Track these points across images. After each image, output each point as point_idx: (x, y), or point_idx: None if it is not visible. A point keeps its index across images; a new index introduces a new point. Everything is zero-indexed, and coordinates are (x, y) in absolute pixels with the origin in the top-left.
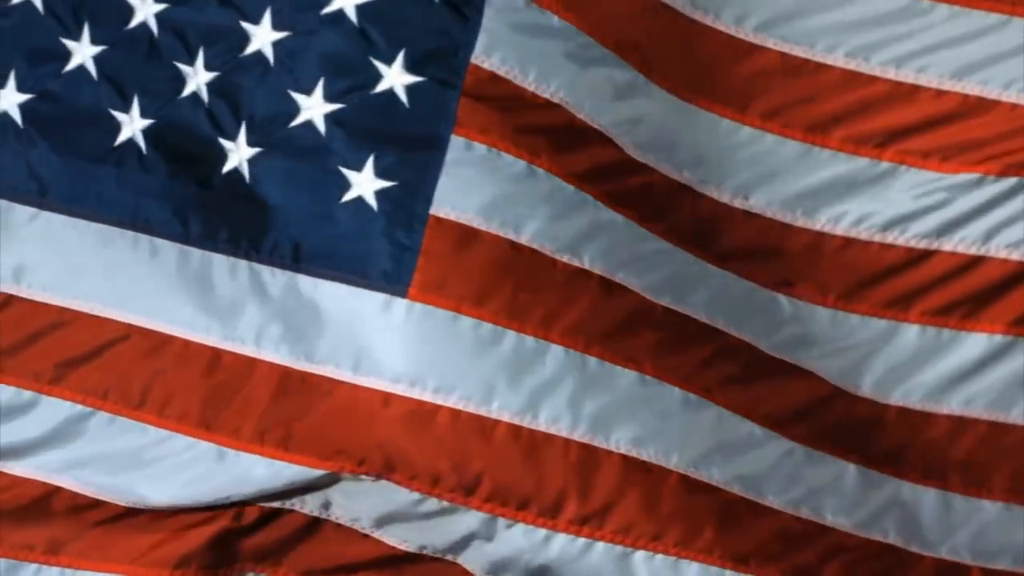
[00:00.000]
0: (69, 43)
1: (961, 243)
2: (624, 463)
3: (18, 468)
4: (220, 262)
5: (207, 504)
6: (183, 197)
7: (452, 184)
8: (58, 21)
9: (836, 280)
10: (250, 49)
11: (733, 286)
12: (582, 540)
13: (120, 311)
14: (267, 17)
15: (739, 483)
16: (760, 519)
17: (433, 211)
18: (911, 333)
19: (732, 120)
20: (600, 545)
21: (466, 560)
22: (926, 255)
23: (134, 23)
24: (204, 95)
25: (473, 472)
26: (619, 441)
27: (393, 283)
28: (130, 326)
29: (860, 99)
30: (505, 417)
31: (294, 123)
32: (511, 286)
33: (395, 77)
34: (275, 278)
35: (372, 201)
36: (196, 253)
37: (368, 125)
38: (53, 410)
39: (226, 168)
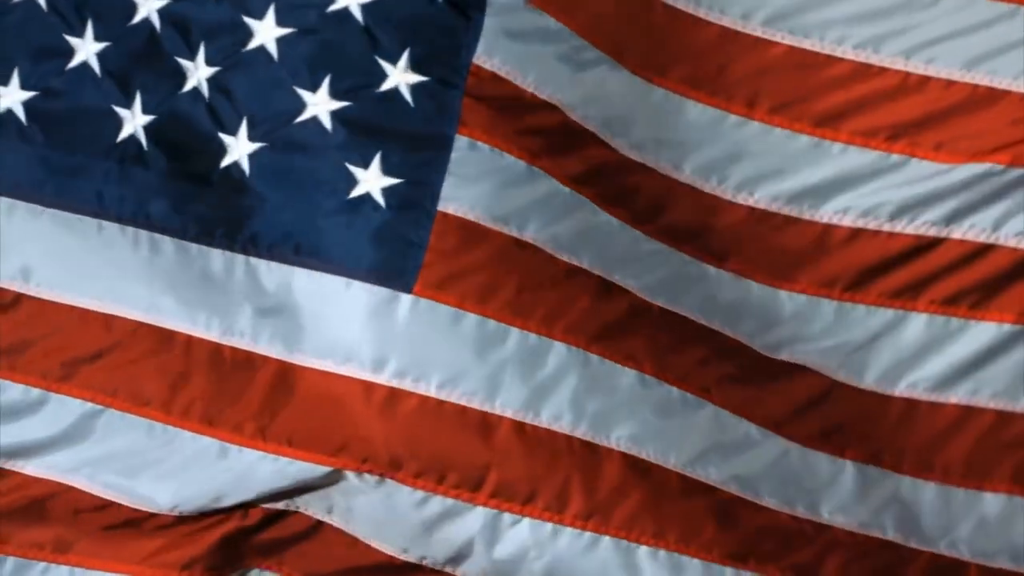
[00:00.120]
0: (72, 40)
1: (971, 231)
2: (624, 461)
3: (28, 467)
4: (217, 257)
5: (210, 506)
6: (181, 192)
7: (458, 182)
8: (61, 18)
9: (843, 272)
10: (252, 44)
11: (731, 285)
12: (588, 534)
13: (124, 308)
14: (271, 13)
15: (736, 483)
16: (757, 518)
17: (441, 208)
18: (919, 322)
19: (739, 115)
20: (606, 539)
21: (467, 572)
22: (935, 243)
23: (137, 19)
24: (205, 90)
25: (478, 468)
26: (619, 440)
27: (399, 279)
28: (135, 323)
29: (870, 91)
30: (508, 413)
31: (299, 119)
32: (515, 284)
33: (399, 76)
34: (274, 273)
35: (379, 198)
36: (194, 248)
37: (374, 123)
38: (62, 408)
39: (225, 163)
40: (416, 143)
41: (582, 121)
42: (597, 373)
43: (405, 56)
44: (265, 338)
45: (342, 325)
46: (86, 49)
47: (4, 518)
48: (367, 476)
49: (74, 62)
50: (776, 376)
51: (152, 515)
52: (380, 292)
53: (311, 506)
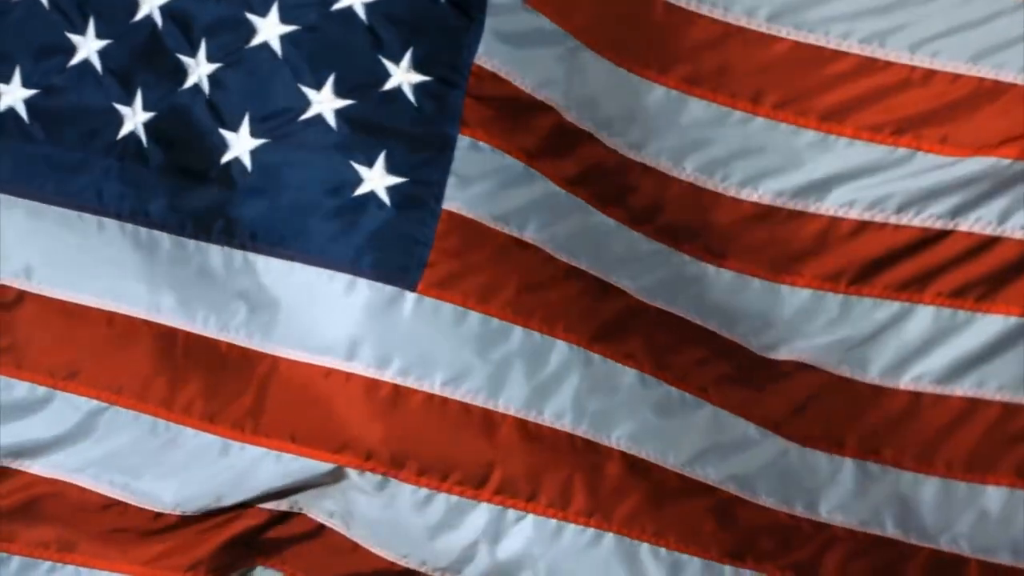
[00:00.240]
0: (74, 37)
1: (977, 223)
2: (624, 460)
3: (35, 467)
4: (216, 253)
5: (213, 504)
6: (180, 189)
7: (460, 182)
8: (63, 16)
9: (848, 265)
10: (256, 41)
11: (730, 284)
12: (591, 531)
13: (125, 305)
14: (274, 10)
15: (733, 482)
16: (755, 517)
17: (444, 207)
18: (926, 315)
19: (743, 111)
20: (609, 536)
21: None
22: (942, 235)
23: (139, 16)
24: (205, 86)
25: (482, 465)
26: (619, 439)
27: (403, 277)
28: (135, 320)
29: (875, 86)
30: (512, 411)
31: (303, 116)
32: (516, 283)
33: (402, 75)
34: (274, 270)
35: (384, 196)
36: (191, 244)
37: (378, 122)
38: (68, 406)
39: (226, 158)
40: (419, 142)
41: (577, 122)
42: (598, 372)
43: (408, 56)
44: (264, 335)
45: (345, 323)
46: (88, 47)
47: (10, 517)
48: (369, 475)
49: (75, 59)
50: (774, 376)
51: (158, 515)
52: (384, 290)
53: (312, 509)
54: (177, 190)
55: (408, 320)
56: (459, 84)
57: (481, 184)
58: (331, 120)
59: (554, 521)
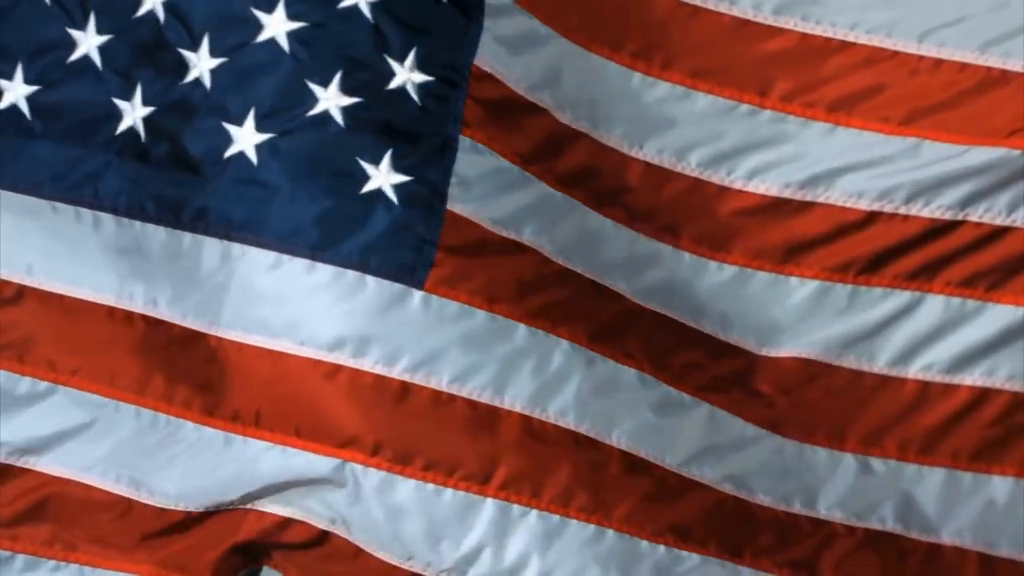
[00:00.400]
0: (75, 33)
1: (986, 214)
2: (624, 459)
3: (40, 464)
4: (214, 248)
5: (216, 500)
6: (180, 183)
7: (462, 183)
8: (64, 12)
9: (858, 255)
10: (262, 37)
11: (733, 279)
12: (593, 527)
13: (124, 300)
14: (280, 7)
15: (730, 482)
16: (753, 514)
17: (449, 207)
18: (935, 304)
19: (751, 104)
20: (610, 533)
21: None
22: (951, 226)
23: (141, 11)
24: (207, 80)
25: (489, 460)
26: (620, 438)
27: (411, 276)
28: (134, 315)
29: (883, 76)
30: (517, 408)
31: (310, 113)
32: (518, 284)
33: (406, 75)
34: (282, 266)
35: (391, 195)
36: (188, 238)
37: (384, 120)
38: (70, 401)
39: (229, 153)
40: (423, 142)
41: (572, 122)
42: (600, 371)
43: (412, 55)
44: (270, 332)
45: (354, 319)
46: (88, 42)
47: (15, 516)
48: (373, 472)
49: (75, 55)
50: (773, 375)
51: (163, 514)
52: (393, 287)
53: (313, 516)
54: (176, 185)
55: (416, 318)
56: (460, 85)
57: (480, 186)
58: (338, 117)
59: (557, 517)
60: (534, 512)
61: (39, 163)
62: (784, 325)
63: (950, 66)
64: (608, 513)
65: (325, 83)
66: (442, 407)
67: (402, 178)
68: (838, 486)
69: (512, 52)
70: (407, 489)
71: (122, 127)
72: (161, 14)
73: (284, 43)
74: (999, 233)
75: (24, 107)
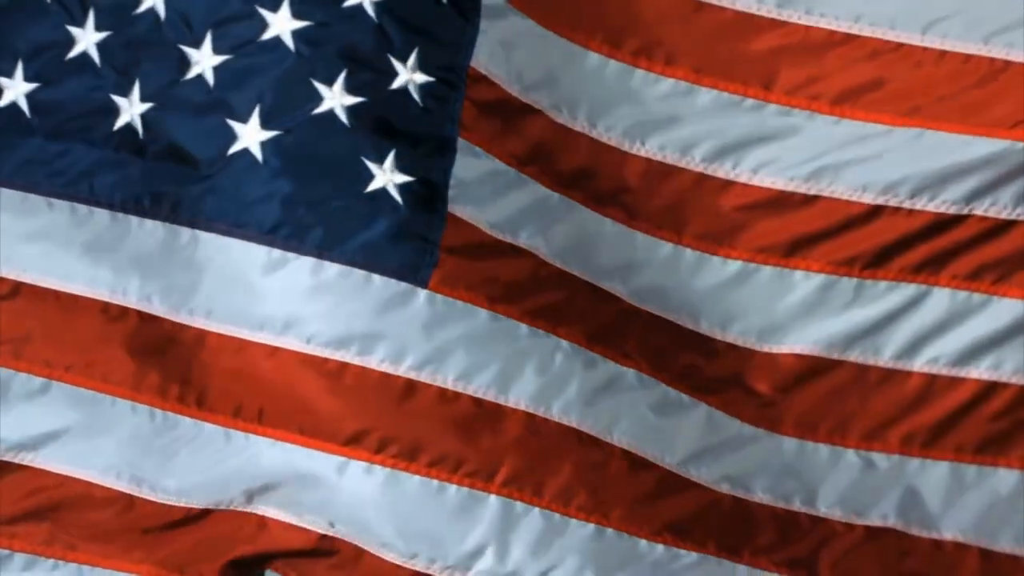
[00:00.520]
0: (74, 30)
1: (992, 208)
2: (625, 457)
3: (37, 460)
4: (213, 243)
5: (217, 497)
6: (179, 179)
7: (461, 185)
8: (64, 9)
9: (864, 249)
10: (268, 35)
11: (737, 273)
12: (592, 526)
13: (118, 296)
14: (285, 5)
15: (728, 482)
16: (752, 513)
17: (450, 209)
18: (942, 297)
19: (755, 99)
20: (609, 532)
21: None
22: (956, 220)
23: (142, 8)
24: (210, 77)
25: (493, 457)
26: (620, 437)
27: (415, 274)
28: (132, 311)
29: (887, 68)
30: (522, 406)
31: (316, 111)
32: (517, 285)
33: (408, 75)
34: (289, 264)
35: (395, 194)
36: (186, 234)
37: (387, 120)
38: (66, 397)
39: (233, 150)
40: (424, 143)
41: (569, 122)
42: (600, 371)
43: (413, 56)
44: (274, 329)
45: (360, 318)
46: (87, 39)
47: (13, 513)
48: (378, 469)
49: (74, 52)
50: (774, 373)
51: (164, 510)
52: (399, 286)
53: (313, 519)
54: (176, 181)
55: (421, 316)
56: (459, 86)
57: (478, 189)
58: (342, 116)
59: (557, 516)
60: (536, 510)
61: (36, 160)
62: (788, 320)
63: (953, 57)
64: (608, 512)
65: (329, 82)
66: (447, 404)
67: (405, 178)
68: (839, 483)
69: (508, 53)
70: (412, 485)
71: (119, 123)
72: (162, 11)
73: (289, 41)
74: (1005, 227)
75: (24, 104)
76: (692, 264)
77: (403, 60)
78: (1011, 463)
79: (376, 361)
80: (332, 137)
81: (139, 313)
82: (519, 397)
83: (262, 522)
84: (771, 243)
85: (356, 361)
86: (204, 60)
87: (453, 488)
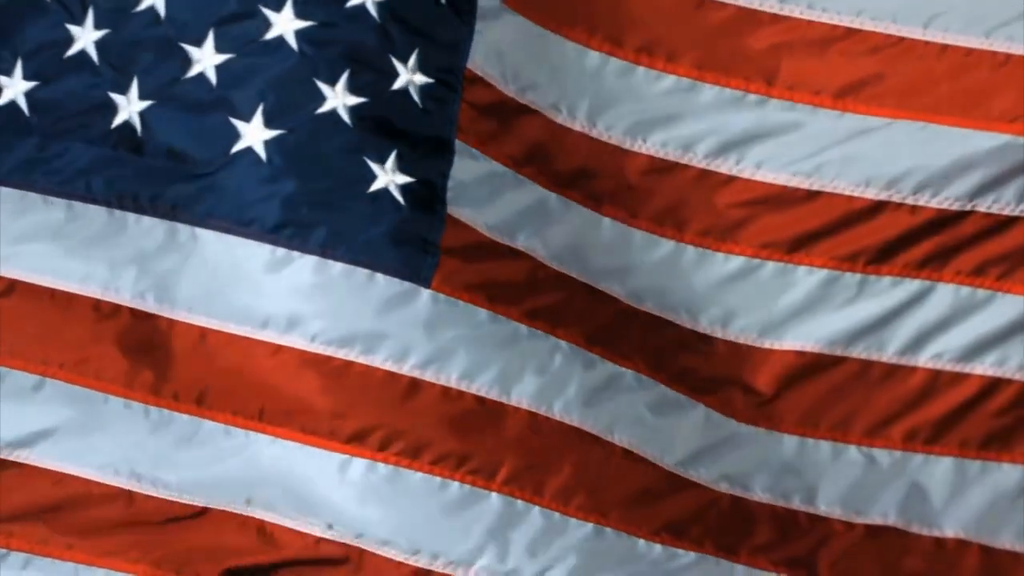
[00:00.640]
0: (73, 28)
1: (995, 204)
2: (625, 456)
3: (32, 458)
4: (213, 241)
5: (216, 496)
6: (179, 176)
7: (459, 187)
8: (63, 8)
9: (867, 244)
10: (271, 35)
11: (740, 269)
12: (591, 525)
13: (110, 293)
14: (288, 5)
15: (726, 481)
16: (750, 512)
17: (449, 210)
18: (946, 293)
19: (758, 93)
20: (608, 532)
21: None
22: (960, 216)
23: (142, 6)
24: (212, 76)
25: (495, 455)
26: (620, 437)
27: (417, 274)
28: (125, 308)
29: (888, 62)
30: (524, 404)
31: (320, 111)
32: (515, 287)
33: (408, 76)
34: (294, 262)
35: (397, 195)
36: (185, 231)
37: (388, 121)
38: (60, 394)
39: (237, 148)
40: (424, 144)
41: (568, 121)
42: (599, 372)
43: (414, 57)
44: (277, 328)
45: (364, 317)
46: (85, 37)
47: (9, 511)
48: (381, 467)
49: (72, 50)
50: (774, 371)
51: (163, 506)
52: (403, 285)
53: (311, 521)
54: (175, 178)
55: (424, 316)
56: (456, 88)
57: (475, 191)
58: (345, 117)
59: (557, 515)
60: (536, 508)
61: (34, 158)
62: (791, 316)
63: (955, 51)
64: (607, 512)
65: (332, 82)
66: (451, 403)
67: (406, 179)
68: (840, 480)
69: (504, 54)
70: (414, 482)
71: (117, 120)
72: (162, 10)
73: (292, 41)
74: (1008, 223)
75: (22, 103)
76: (694, 261)
77: (404, 61)
78: (1015, 459)
79: (380, 360)
80: (335, 137)
81: (132, 310)
82: (521, 396)
83: (260, 526)
84: (774, 239)
85: (360, 360)
86: (206, 58)
87: (455, 485)
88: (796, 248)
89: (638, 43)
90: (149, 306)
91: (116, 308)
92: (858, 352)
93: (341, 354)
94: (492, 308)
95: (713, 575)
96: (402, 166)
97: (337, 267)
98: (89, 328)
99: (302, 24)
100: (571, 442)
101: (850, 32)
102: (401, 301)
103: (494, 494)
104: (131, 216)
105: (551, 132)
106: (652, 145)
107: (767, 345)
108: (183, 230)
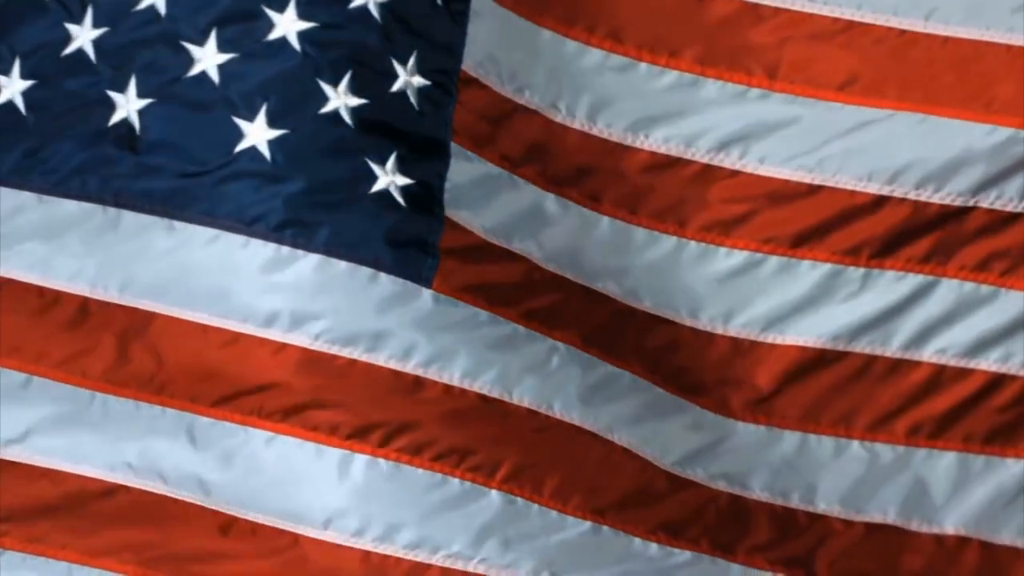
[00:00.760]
0: (71, 27)
1: (998, 200)
2: (624, 456)
3: (23, 455)
4: (212, 239)
5: (216, 492)
6: (178, 174)
7: (455, 189)
8: (62, 7)
9: (869, 238)
10: (274, 35)
11: (742, 264)
12: (588, 524)
13: (98, 290)
14: (292, 5)
15: (724, 479)
16: (748, 511)
17: (446, 212)
18: (950, 288)
19: (760, 88)
20: (605, 530)
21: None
22: (963, 211)
23: (142, 5)
24: (215, 75)
25: (496, 452)
26: (620, 436)
27: (418, 274)
28: (112, 305)
29: (890, 54)
30: (526, 403)
31: (322, 111)
32: (511, 288)
33: (407, 78)
34: (297, 260)
35: (398, 196)
36: (185, 228)
37: (387, 123)
38: (49, 392)
39: (240, 147)
40: (422, 147)
41: (567, 120)
42: (597, 373)
43: (413, 58)
44: (282, 327)
45: (368, 316)
46: (83, 36)
47: (2, 510)
48: (382, 463)
49: (69, 49)
50: (775, 367)
51: (161, 503)
52: (406, 285)
53: (306, 519)
54: (175, 177)
55: (426, 315)
56: (451, 91)
57: (471, 193)
58: (347, 118)
59: (555, 513)
60: (535, 506)
61: (30, 157)
62: (794, 310)
63: (957, 43)
64: (604, 510)
65: (335, 83)
66: (454, 400)
67: (406, 180)
68: (841, 476)
69: (499, 54)
70: (415, 478)
71: (115, 118)
72: (163, 8)
73: (295, 42)
74: (1011, 219)
75: (19, 103)
76: (696, 256)
77: (403, 63)
78: (1019, 454)
79: (384, 358)
80: (338, 138)
81: (123, 308)
82: (523, 395)
83: (253, 528)
84: (777, 234)
85: (364, 358)
86: (208, 57)
87: (456, 481)
88: (799, 243)
89: (639, 39)
90: (145, 304)
91: (104, 305)
92: (862, 347)
93: (345, 352)
94: (491, 309)
95: (709, 574)
96: (402, 168)
97: (341, 265)
98: (77, 325)
99: (305, 25)
100: (572, 440)
101: (851, 25)
102: (404, 300)
103: (494, 491)
104: (127, 214)
105: (549, 131)
106: (654, 141)
107: (770, 340)
108: (181, 228)
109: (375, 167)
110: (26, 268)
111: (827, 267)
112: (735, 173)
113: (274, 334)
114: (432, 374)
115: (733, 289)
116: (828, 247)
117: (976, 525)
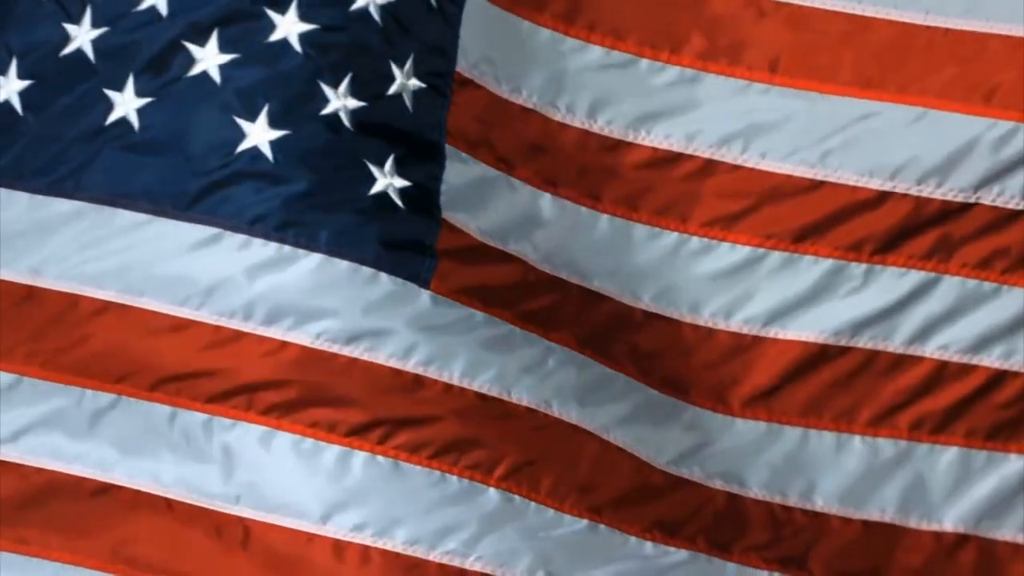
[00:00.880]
0: (70, 27)
1: (999, 197)
2: (620, 455)
3: (14, 454)
4: (212, 238)
5: (217, 492)
6: (178, 173)
7: (451, 191)
8: (61, 7)
9: (872, 234)
10: (275, 36)
11: (744, 259)
12: (585, 522)
13: (89, 289)
14: (293, 7)
15: (721, 478)
16: (745, 510)
17: (443, 214)
18: (952, 285)
19: (762, 82)
20: (602, 528)
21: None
22: (965, 208)
23: (143, 5)
24: (216, 76)
25: (495, 450)
26: (616, 436)
27: (416, 276)
28: (101, 303)
29: (891, 48)
30: (524, 402)
31: (323, 112)
32: (508, 289)
33: (403, 80)
34: (299, 260)
35: (396, 198)
36: (183, 227)
37: (385, 125)
38: (38, 391)
39: (242, 148)
40: (418, 149)
41: (565, 119)
42: (593, 373)
43: (410, 61)
44: (283, 326)
45: (369, 314)
46: (82, 36)
47: None
48: (381, 460)
49: (68, 49)
50: (779, 361)
51: (152, 500)
52: (406, 285)
53: (304, 515)
54: (175, 176)
55: (426, 315)
56: (446, 92)
57: (467, 195)
58: (346, 120)
59: (551, 511)
60: (533, 504)
61: (27, 157)
62: (796, 305)
63: (957, 35)
64: (601, 509)
65: (335, 85)
66: (454, 398)
67: (404, 183)
68: (841, 472)
69: (494, 54)
70: (414, 475)
71: (113, 117)
72: (164, 8)
73: (296, 44)
74: (1013, 217)
75: (16, 103)
76: (697, 252)
77: (401, 65)
78: (1022, 449)
79: (384, 356)
80: (338, 139)
81: (121, 306)
82: (522, 394)
83: (246, 527)
84: (779, 229)
85: (365, 356)
86: (209, 58)
87: (454, 479)
88: (801, 238)
89: (640, 36)
90: (142, 303)
91: (96, 303)
92: (864, 343)
93: (346, 351)
94: (487, 311)
95: (705, 573)
96: (400, 170)
97: (342, 265)
98: (66, 324)
99: (306, 27)
100: (569, 439)
101: (851, 19)
102: (403, 300)
103: (492, 488)
104: (123, 213)
105: (547, 131)
106: (655, 137)
107: (771, 336)
108: (183, 228)
109: (374, 169)
110: (20, 268)
111: (829, 263)
112: (736, 168)
113: (275, 332)
114: (432, 373)
115: (735, 285)
116: (830, 243)
117: (976, 521)
